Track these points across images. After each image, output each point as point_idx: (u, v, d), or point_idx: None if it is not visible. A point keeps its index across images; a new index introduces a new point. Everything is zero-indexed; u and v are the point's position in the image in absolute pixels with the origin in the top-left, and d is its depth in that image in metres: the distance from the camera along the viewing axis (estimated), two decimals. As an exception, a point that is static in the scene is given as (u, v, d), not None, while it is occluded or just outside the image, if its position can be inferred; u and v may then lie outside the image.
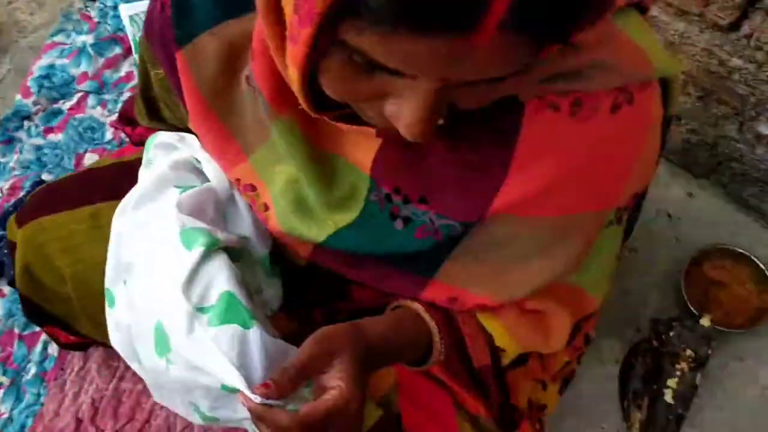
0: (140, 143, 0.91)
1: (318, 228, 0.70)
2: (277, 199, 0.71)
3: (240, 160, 0.73)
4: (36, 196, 0.95)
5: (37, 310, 0.97)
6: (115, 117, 1.47)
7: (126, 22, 1.58)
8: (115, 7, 1.63)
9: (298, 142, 0.67)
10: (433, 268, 0.71)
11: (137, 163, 0.91)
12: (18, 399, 1.15)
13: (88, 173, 1.00)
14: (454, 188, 0.64)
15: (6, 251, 1.19)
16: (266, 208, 0.73)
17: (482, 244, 0.67)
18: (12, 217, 0.95)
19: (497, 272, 0.70)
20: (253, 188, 0.74)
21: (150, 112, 0.87)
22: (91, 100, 1.50)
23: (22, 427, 1.13)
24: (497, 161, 0.61)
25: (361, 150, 0.67)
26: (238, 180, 0.75)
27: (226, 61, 0.69)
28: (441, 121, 0.51)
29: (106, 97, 1.51)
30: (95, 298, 0.90)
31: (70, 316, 0.97)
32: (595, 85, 0.58)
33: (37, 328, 1.21)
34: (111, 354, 1.17)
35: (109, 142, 1.44)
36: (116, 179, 0.92)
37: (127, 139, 1.02)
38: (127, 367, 1.14)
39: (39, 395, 1.15)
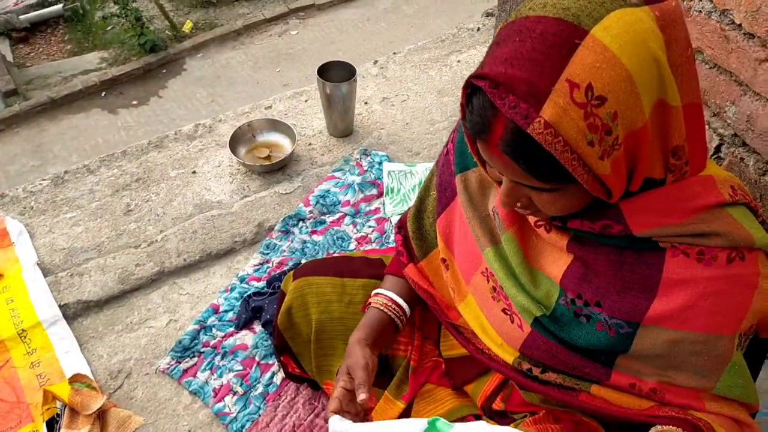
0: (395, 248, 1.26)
1: (526, 315, 0.97)
2: (503, 282, 1.01)
3: (478, 253, 1.06)
4: (308, 264, 1.34)
5: (282, 342, 1.32)
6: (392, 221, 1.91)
7: (384, 174, 2.09)
8: (380, 163, 2.15)
9: (517, 248, 0.99)
10: (611, 360, 0.91)
11: (378, 261, 1.30)
12: (245, 406, 1.52)
13: (343, 258, 1.38)
14: (619, 298, 0.88)
15: (267, 300, 1.64)
16: (494, 290, 1.03)
17: (644, 347, 0.88)
18: (290, 274, 1.34)
19: (659, 368, 0.90)
20: (491, 274, 1.03)
21: (417, 217, 1.23)
22: (347, 219, 1.97)
23: (242, 427, 1.47)
24: (649, 283, 0.85)
25: (555, 267, 0.95)
26: (480, 267, 1.06)
27: (479, 187, 1.07)
28: (528, 211, 0.88)
29: (358, 220, 1.97)
30: (325, 345, 1.26)
31: (303, 354, 1.30)
32: (713, 244, 0.83)
33: (272, 360, 1.58)
34: (315, 395, 1.51)
35: (351, 251, 1.88)
36: (360, 266, 1.31)
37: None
38: (323, 407, 1.49)
39: (259, 408, 1.51)
